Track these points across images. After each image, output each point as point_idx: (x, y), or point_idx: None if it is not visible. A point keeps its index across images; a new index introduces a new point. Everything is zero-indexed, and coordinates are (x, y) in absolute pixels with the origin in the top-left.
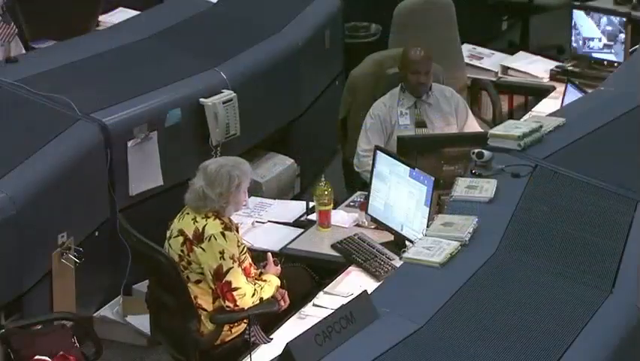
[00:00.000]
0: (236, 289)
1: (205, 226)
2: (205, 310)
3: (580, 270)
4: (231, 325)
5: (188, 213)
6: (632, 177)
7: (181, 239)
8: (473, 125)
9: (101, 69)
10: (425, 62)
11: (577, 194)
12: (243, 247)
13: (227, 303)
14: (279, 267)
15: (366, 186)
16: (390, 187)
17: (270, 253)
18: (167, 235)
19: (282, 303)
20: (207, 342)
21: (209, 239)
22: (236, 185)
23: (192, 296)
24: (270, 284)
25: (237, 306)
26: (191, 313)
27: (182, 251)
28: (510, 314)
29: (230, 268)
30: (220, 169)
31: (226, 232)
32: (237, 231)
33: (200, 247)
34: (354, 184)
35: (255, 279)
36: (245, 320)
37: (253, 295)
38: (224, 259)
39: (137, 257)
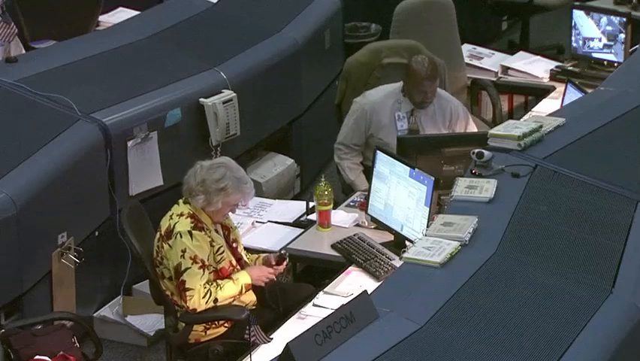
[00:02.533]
0: (188, 289)
1: (176, 223)
2: (180, 306)
3: (580, 270)
4: (206, 326)
5: (171, 209)
6: (632, 177)
7: (158, 235)
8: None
9: (101, 69)
10: (433, 82)
11: (577, 194)
12: (219, 248)
13: (182, 302)
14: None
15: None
16: (390, 187)
17: (271, 256)
18: None
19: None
20: (178, 338)
21: (176, 236)
22: (221, 188)
23: (169, 293)
24: (236, 282)
25: (188, 306)
26: (167, 308)
27: (157, 246)
28: (510, 314)
29: (188, 268)
30: (221, 167)
31: (194, 232)
32: (230, 230)
33: (168, 244)
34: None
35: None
36: (224, 325)
37: (205, 296)
38: (184, 258)
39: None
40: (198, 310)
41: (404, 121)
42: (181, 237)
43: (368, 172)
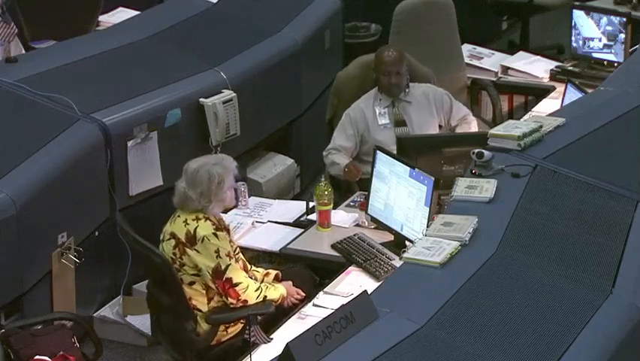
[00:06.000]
0: (237, 284)
1: (197, 228)
2: (200, 310)
3: (580, 270)
4: (227, 325)
5: (179, 216)
6: (632, 177)
7: (173, 242)
8: (460, 114)
9: (101, 69)
10: (395, 63)
11: (577, 194)
12: (236, 247)
13: (231, 300)
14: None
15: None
16: (390, 187)
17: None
18: (161, 237)
19: (292, 300)
20: (203, 342)
21: (203, 240)
22: (217, 183)
23: (187, 297)
24: (276, 289)
25: (240, 300)
26: (187, 313)
27: (174, 254)
28: (510, 314)
29: (229, 265)
30: (200, 169)
31: (217, 232)
32: (229, 233)
33: (195, 250)
34: (340, 185)
35: (261, 282)
36: (241, 321)
37: (257, 289)
38: (220, 257)
39: (135, 257)
40: (250, 302)
41: (385, 116)
42: (209, 240)
43: (366, 183)
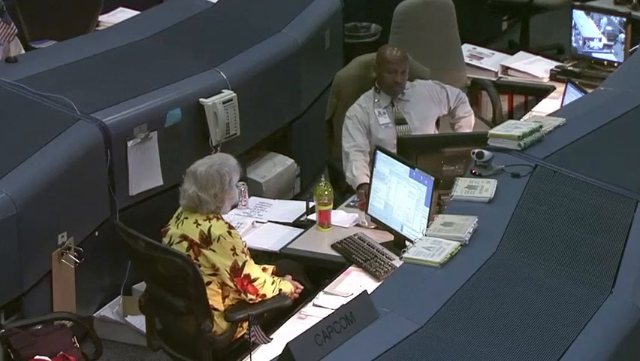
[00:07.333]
0: (255, 279)
1: (210, 227)
2: (217, 310)
3: (580, 270)
4: (242, 321)
5: (187, 218)
6: (632, 177)
7: (185, 244)
8: (454, 93)
9: (101, 69)
10: (401, 62)
11: (577, 194)
12: (245, 244)
13: (250, 296)
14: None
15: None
16: (390, 187)
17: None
18: (166, 242)
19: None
20: (224, 340)
21: (218, 240)
22: (229, 182)
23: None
24: (286, 283)
25: (259, 295)
26: (205, 313)
27: (188, 256)
28: (510, 314)
29: (246, 261)
30: (209, 170)
31: (231, 230)
32: None
33: (210, 249)
34: (340, 185)
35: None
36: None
37: (273, 283)
38: (237, 254)
39: (141, 262)
40: (268, 296)
41: (385, 116)
42: (225, 238)
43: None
